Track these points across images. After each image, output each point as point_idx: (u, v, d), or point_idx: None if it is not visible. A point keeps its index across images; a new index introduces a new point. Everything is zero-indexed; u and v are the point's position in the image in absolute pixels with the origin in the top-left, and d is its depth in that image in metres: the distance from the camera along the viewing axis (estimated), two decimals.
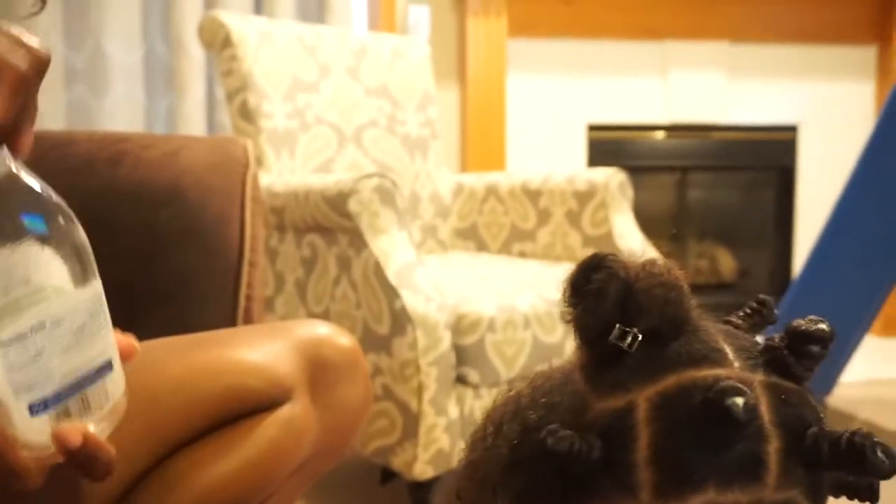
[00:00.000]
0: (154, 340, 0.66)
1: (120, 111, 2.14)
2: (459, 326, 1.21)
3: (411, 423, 1.18)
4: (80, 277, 0.43)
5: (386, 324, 1.20)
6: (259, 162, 1.62)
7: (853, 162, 1.68)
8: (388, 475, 1.48)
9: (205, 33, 1.69)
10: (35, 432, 0.40)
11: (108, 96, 2.13)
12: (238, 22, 1.67)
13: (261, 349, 0.65)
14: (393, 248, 1.22)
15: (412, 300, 1.17)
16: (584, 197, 1.64)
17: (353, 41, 1.85)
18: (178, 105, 2.19)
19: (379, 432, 1.23)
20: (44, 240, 0.40)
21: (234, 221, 0.86)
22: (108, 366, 0.45)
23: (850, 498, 0.39)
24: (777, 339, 0.37)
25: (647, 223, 2.62)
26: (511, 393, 0.43)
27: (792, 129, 2.75)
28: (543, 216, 1.71)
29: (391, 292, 1.19)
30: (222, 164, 0.88)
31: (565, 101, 2.59)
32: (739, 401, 0.32)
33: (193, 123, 2.18)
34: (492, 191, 1.83)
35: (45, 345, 0.40)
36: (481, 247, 1.85)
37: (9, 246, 0.38)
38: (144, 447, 0.60)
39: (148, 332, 0.69)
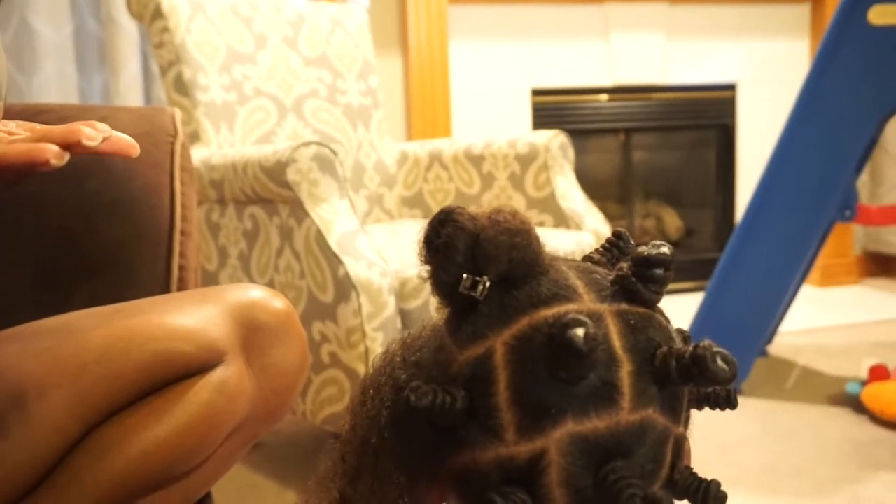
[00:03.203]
0: (78, 311, 0.65)
1: (51, 89, 2.08)
2: (403, 291, 1.22)
3: None
4: None
5: (330, 292, 1.20)
6: (197, 136, 1.60)
7: None
8: None
9: (134, 5, 1.65)
10: None
11: (37, 74, 2.07)
12: None
13: (190, 314, 0.65)
14: (334, 216, 1.22)
15: (355, 267, 1.17)
16: (526, 160, 1.65)
17: (290, 10, 1.82)
18: (113, 81, 2.14)
19: (328, 400, 1.24)
20: None
21: (164, 191, 0.85)
22: None
23: (712, 408, 0.41)
24: (625, 268, 0.38)
25: (594, 185, 2.66)
26: (386, 354, 0.44)
27: (731, 88, 2.80)
28: (487, 181, 1.72)
29: (334, 260, 1.18)
30: (149, 134, 0.87)
31: (508, 66, 2.59)
32: (580, 331, 0.33)
33: (130, 100, 2.12)
34: (436, 158, 1.84)
35: None
36: (428, 214, 1.85)
37: None
38: (73, 417, 0.59)
39: (77, 305, 0.68)
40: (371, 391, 0.42)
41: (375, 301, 1.17)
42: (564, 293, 0.37)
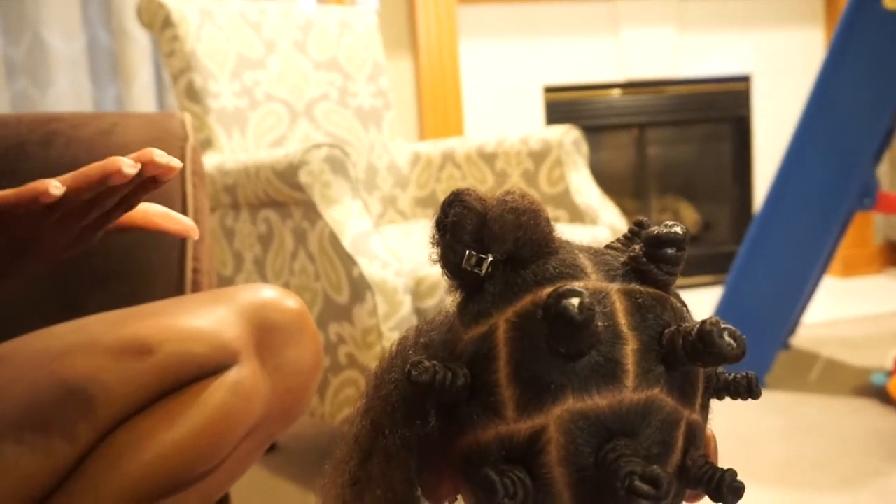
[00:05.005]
0: (92, 316, 0.65)
1: (66, 102, 2.10)
2: (419, 290, 1.22)
3: None
4: None
5: (345, 293, 1.19)
6: (209, 142, 1.60)
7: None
8: None
9: (144, 14, 1.66)
10: None
11: (51, 88, 2.08)
12: (177, 1, 1.64)
13: (203, 315, 0.64)
14: (347, 217, 1.21)
15: (369, 267, 1.17)
16: (539, 156, 1.64)
17: (298, 15, 1.82)
18: (126, 92, 2.15)
19: (347, 401, 1.23)
20: None
21: (176, 196, 0.85)
22: None
23: (734, 398, 0.40)
24: (637, 249, 0.38)
25: (609, 181, 2.64)
26: (401, 340, 0.43)
27: (745, 80, 2.77)
28: (500, 178, 1.71)
29: (348, 261, 1.18)
30: (159, 139, 0.87)
31: (519, 64, 2.58)
32: (575, 301, 0.32)
33: (143, 109, 2.14)
34: (448, 157, 1.83)
35: None
36: None
37: None
38: (87, 422, 0.59)
39: (91, 312, 0.68)
40: (383, 374, 0.42)
41: (391, 301, 1.17)
42: (571, 272, 0.36)
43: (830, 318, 2.25)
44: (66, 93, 2.09)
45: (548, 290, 0.35)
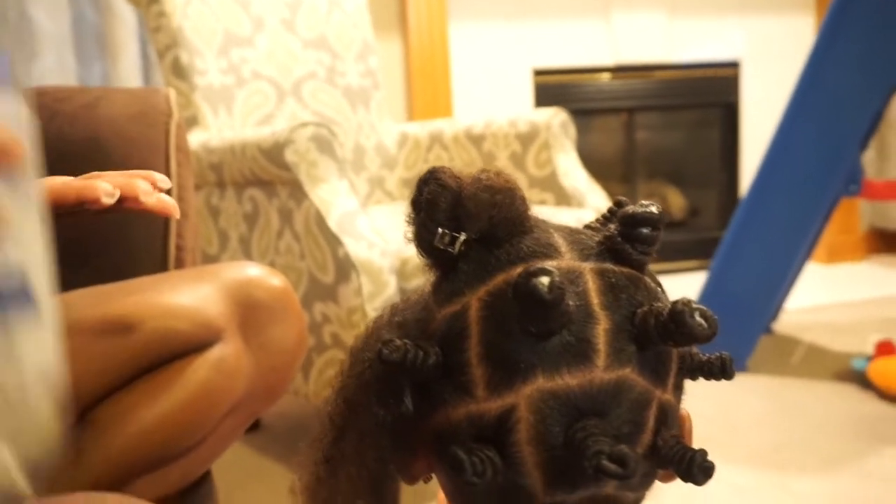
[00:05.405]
0: (75, 291, 0.65)
1: (51, 79, 2.07)
2: (405, 270, 1.22)
3: None
4: None
5: (331, 272, 1.19)
6: (195, 120, 1.59)
7: None
8: None
9: None
10: None
11: (37, 65, 2.06)
12: None
13: (187, 292, 0.64)
14: (333, 196, 1.21)
15: (355, 247, 1.17)
16: (527, 139, 1.64)
17: None
18: (113, 69, 2.13)
19: (331, 381, 1.23)
20: None
21: (160, 172, 0.84)
22: None
23: (707, 378, 0.40)
24: (612, 229, 0.37)
25: (597, 165, 2.64)
26: (377, 319, 0.43)
27: (734, 66, 2.78)
28: (488, 160, 1.71)
29: (334, 241, 1.18)
30: (144, 115, 0.86)
31: (509, 46, 2.57)
32: (545, 279, 0.32)
33: (129, 87, 2.12)
34: (436, 139, 1.82)
35: None
36: None
37: None
38: (69, 397, 0.59)
39: (75, 287, 0.68)
40: (359, 353, 0.42)
41: (376, 281, 1.17)
42: (544, 251, 0.36)
43: (814, 304, 2.27)
44: (52, 70, 2.06)
45: (520, 268, 0.34)
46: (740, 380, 1.67)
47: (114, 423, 0.60)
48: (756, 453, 1.35)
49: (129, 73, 2.13)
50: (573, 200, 1.57)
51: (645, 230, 0.36)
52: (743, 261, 1.74)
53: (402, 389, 0.36)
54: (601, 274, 0.36)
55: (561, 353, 0.33)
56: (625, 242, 0.36)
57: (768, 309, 1.78)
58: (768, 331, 2.00)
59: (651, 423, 0.35)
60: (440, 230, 0.36)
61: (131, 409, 0.60)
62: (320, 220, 1.19)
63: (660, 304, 0.35)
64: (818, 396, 1.59)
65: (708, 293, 1.76)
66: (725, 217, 2.82)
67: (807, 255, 1.93)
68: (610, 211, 0.41)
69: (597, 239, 0.38)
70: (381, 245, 1.19)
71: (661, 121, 2.97)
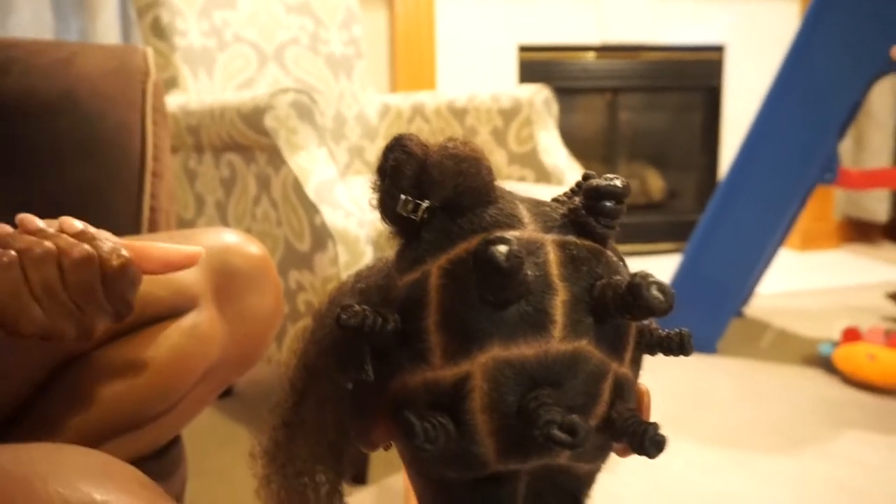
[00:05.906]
0: None
1: (26, 34, 2.02)
2: (381, 240, 1.21)
3: None
4: None
5: (307, 240, 1.18)
6: (174, 82, 1.56)
7: None
8: None
9: None
10: None
11: (11, 19, 2.00)
12: None
13: None
14: (312, 164, 1.20)
15: (332, 216, 1.16)
16: (510, 114, 1.63)
17: None
18: (91, 27, 2.08)
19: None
20: None
21: (135, 131, 0.83)
22: None
23: (666, 354, 0.40)
24: (577, 202, 0.37)
25: (579, 145, 2.64)
26: (341, 285, 0.43)
27: (718, 50, 2.78)
28: (469, 134, 1.70)
29: (311, 208, 1.17)
30: (120, 72, 0.84)
31: (496, 21, 2.55)
32: (502, 248, 0.32)
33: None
34: (418, 111, 1.81)
35: None
36: None
37: None
38: (40, 359, 0.58)
39: None
40: (321, 319, 0.42)
41: (353, 250, 1.16)
42: (507, 221, 0.36)
43: (785, 290, 2.31)
44: (28, 24, 2.01)
45: (482, 237, 0.34)
46: (710, 361, 1.70)
47: (86, 385, 0.59)
48: (723, 433, 1.37)
49: (107, 31, 2.08)
50: (553, 178, 1.57)
51: (608, 203, 0.36)
52: (717, 244, 1.75)
53: (363, 356, 0.36)
54: (562, 246, 0.36)
55: (518, 322, 0.33)
56: (588, 215, 0.36)
57: (740, 293, 1.80)
58: (739, 314, 2.03)
59: (606, 395, 0.35)
60: (403, 197, 0.36)
61: (103, 372, 0.59)
62: (298, 188, 1.18)
63: (619, 278, 0.35)
64: (785, 380, 1.62)
65: (681, 275, 1.77)
66: (703, 200, 2.84)
67: (781, 240, 1.95)
68: (577, 185, 0.41)
69: (561, 211, 0.38)
70: (358, 214, 1.19)
71: (644, 102, 2.97)
